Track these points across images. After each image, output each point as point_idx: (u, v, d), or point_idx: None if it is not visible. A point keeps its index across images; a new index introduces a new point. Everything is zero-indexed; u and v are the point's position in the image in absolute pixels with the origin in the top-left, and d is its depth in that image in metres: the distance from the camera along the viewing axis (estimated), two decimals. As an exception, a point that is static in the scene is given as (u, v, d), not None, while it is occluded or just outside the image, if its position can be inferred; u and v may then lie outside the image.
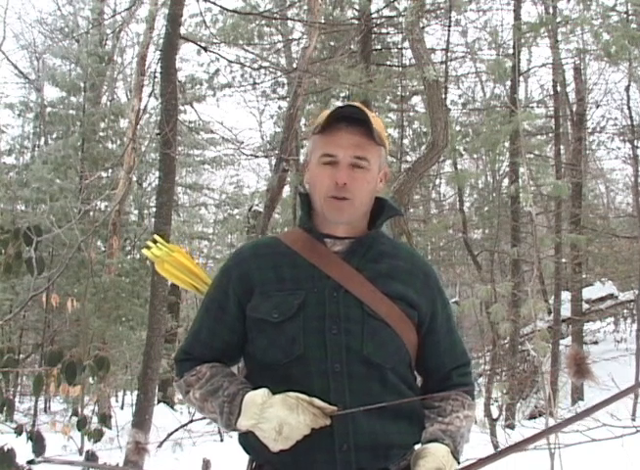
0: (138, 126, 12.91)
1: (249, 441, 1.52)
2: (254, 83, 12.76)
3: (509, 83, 10.32)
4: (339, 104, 1.67)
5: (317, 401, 1.40)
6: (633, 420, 6.18)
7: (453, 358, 1.61)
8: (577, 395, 10.23)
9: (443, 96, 6.28)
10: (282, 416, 1.38)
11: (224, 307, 1.58)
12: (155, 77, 7.12)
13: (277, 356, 1.48)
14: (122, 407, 13.09)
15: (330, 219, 1.55)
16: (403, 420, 1.50)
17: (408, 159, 11.29)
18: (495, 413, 8.47)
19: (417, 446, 1.51)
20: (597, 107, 13.39)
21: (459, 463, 1.46)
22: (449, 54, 9.22)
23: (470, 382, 1.64)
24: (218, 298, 1.60)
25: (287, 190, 11.61)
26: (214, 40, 10.07)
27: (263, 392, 1.43)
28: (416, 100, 12.94)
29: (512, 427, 8.47)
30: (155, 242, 1.87)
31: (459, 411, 1.54)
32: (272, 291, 1.52)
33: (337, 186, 1.50)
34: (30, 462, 1.71)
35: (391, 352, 1.50)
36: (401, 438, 1.50)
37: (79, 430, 3.66)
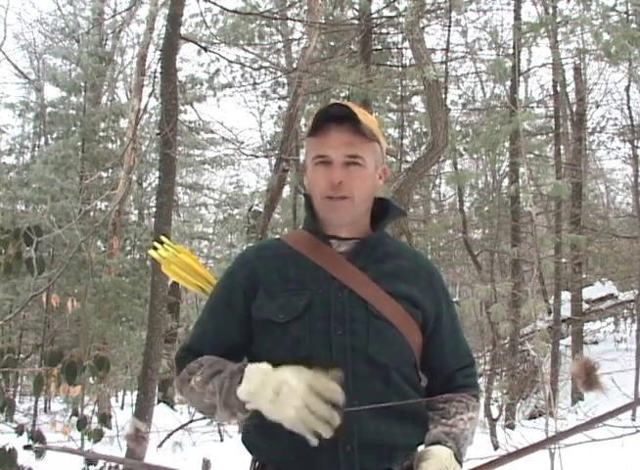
0: (138, 126, 12.92)
1: (252, 440, 1.52)
2: (255, 83, 12.77)
3: (509, 83, 10.33)
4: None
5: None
6: (633, 420, 6.17)
7: (457, 359, 1.62)
8: (577, 395, 10.22)
9: (443, 96, 6.27)
10: (283, 376, 1.32)
11: (231, 306, 1.57)
12: (155, 77, 7.11)
13: (282, 357, 1.45)
14: (122, 407, 13.09)
15: (330, 221, 1.55)
16: (408, 421, 1.50)
17: (408, 159, 11.29)
18: (495, 413, 8.48)
19: (420, 448, 1.51)
20: (597, 107, 13.41)
21: (462, 466, 1.46)
22: (449, 54, 9.20)
23: (474, 383, 1.64)
24: (225, 298, 1.58)
25: (287, 190, 11.64)
26: (214, 40, 10.08)
27: (266, 364, 1.38)
28: (416, 100, 12.97)
29: (512, 427, 8.48)
30: (161, 243, 1.87)
31: (463, 413, 1.54)
32: (277, 292, 1.51)
33: (332, 186, 1.50)
34: (27, 447, 1.70)
35: (396, 352, 1.50)
36: (406, 439, 1.50)
37: (79, 430, 3.66)
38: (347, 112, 1.50)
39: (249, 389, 1.34)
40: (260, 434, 1.45)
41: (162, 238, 1.90)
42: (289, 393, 1.28)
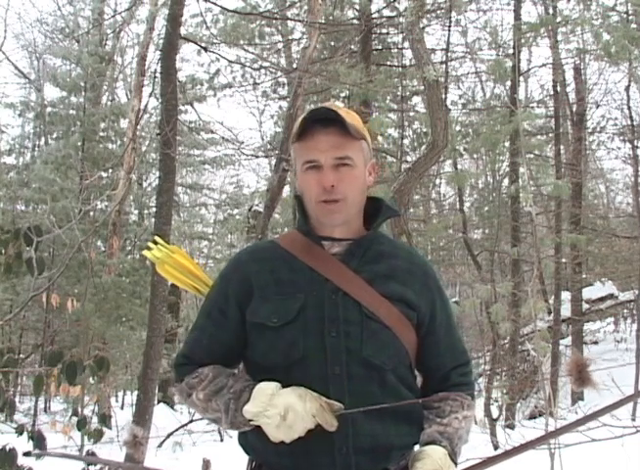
0: (138, 126, 12.92)
1: (248, 441, 1.52)
2: (255, 83, 12.77)
3: (509, 83, 10.32)
4: (339, 104, 1.65)
5: (324, 398, 1.40)
6: (633, 420, 6.17)
7: (453, 358, 1.61)
8: (577, 395, 10.22)
9: (443, 96, 6.26)
10: (289, 402, 1.38)
11: (225, 312, 1.57)
12: (155, 77, 7.11)
13: (277, 360, 1.48)
14: (122, 407, 13.10)
15: (325, 223, 1.55)
16: (403, 421, 1.50)
17: (408, 159, 11.28)
18: (495, 413, 8.48)
19: (416, 447, 1.51)
20: (597, 107, 13.39)
21: (456, 465, 1.46)
22: (449, 54, 9.20)
23: (469, 381, 1.64)
24: (219, 302, 1.59)
25: (287, 190, 11.61)
26: (215, 40, 10.08)
27: (274, 384, 1.44)
28: (416, 100, 12.94)
29: (512, 427, 8.47)
30: (155, 243, 1.87)
31: (458, 412, 1.54)
32: (271, 295, 1.52)
33: (325, 190, 1.50)
34: (27, 454, 1.71)
35: (391, 354, 1.50)
36: (401, 439, 1.50)
37: (79, 430, 3.65)
38: (332, 114, 1.50)
39: (255, 409, 1.41)
40: (257, 435, 1.46)
41: (156, 238, 1.90)
42: (294, 419, 1.37)
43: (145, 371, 5.81)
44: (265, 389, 1.42)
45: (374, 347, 1.48)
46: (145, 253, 1.88)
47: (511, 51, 9.60)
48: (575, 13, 9.51)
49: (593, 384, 1.25)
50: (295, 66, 9.69)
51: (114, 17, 14.92)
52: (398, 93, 11.83)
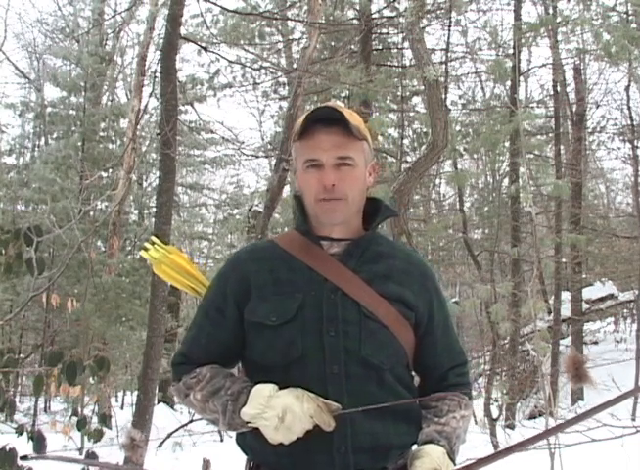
0: (138, 126, 12.92)
1: (246, 441, 1.52)
2: (255, 83, 12.78)
3: (509, 83, 10.32)
4: (340, 104, 1.65)
5: (322, 399, 1.40)
6: (633, 420, 6.18)
7: (450, 358, 1.62)
8: (577, 395, 10.23)
9: (443, 96, 6.26)
10: (287, 403, 1.38)
11: (223, 311, 1.57)
12: (155, 77, 7.12)
13: (275, 359, 1.48)
14: (122, 407, 13.10)
15: (325, 222, 1.56)
16: (401, 421, 1.50)
17: (408, 159, 11.27)
18: (495, 413, 8.48)
19: (414, 447, 1.51)
20: (597, 107, 13.40)
21: (455, 464, 1.47)
22: (449, 54, 9.20)
23: (466, 382, 1.64)
24: (217, 301, 1.59)
25: (287, 190, 11.61)
26: (215, 40, 10.09)
27: (272, 386, 1.43)
28: (416, 100, 12.94)
29: (512, 427, 8.48)
30: (152, 244, 1.87)
31: (455, 412, 1.55)
32: (269, 294, 1.52)
33: (325, 189, 1.50)
34: (23, 458, 1.70)
35: (389, 354, 1.50)
36: (400, 438, 1.50)
37: (79, 430, 3.65)
38: (335, 114, 1.50)
39: (252, 412, 1.41)
40: (255, 435, 1.46)
41: (153, 238, 1.90)
42: (292, 420, 1.37)
43: (145, 371, 5.82)
44: (262, 390, 1.42)
45: (372, 346, 1.48)
46: (142, 253, 1.88)
47: (511, 51, 9.59)
48: (575, 13, 9.51)
49: (590, 380, 1.26)
50: (295, 66, 9.70)
51: (114, 17, 14.95)
52: (398, 93, 11.82)
